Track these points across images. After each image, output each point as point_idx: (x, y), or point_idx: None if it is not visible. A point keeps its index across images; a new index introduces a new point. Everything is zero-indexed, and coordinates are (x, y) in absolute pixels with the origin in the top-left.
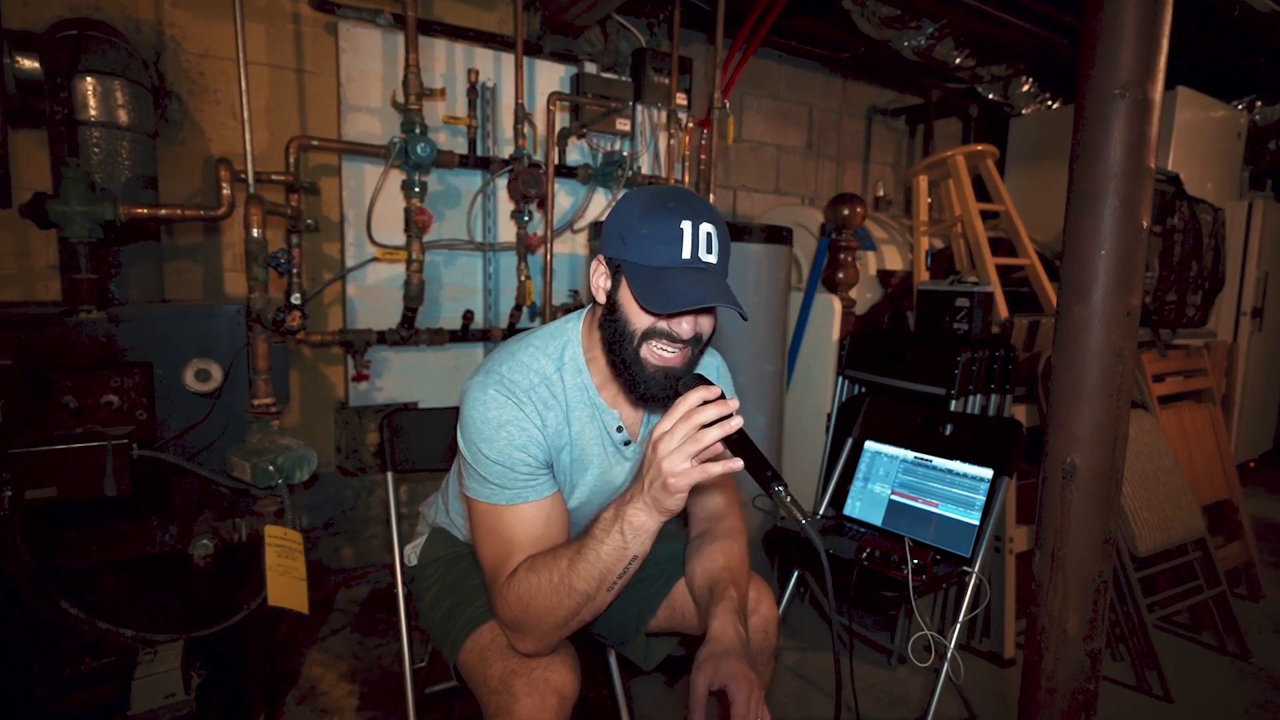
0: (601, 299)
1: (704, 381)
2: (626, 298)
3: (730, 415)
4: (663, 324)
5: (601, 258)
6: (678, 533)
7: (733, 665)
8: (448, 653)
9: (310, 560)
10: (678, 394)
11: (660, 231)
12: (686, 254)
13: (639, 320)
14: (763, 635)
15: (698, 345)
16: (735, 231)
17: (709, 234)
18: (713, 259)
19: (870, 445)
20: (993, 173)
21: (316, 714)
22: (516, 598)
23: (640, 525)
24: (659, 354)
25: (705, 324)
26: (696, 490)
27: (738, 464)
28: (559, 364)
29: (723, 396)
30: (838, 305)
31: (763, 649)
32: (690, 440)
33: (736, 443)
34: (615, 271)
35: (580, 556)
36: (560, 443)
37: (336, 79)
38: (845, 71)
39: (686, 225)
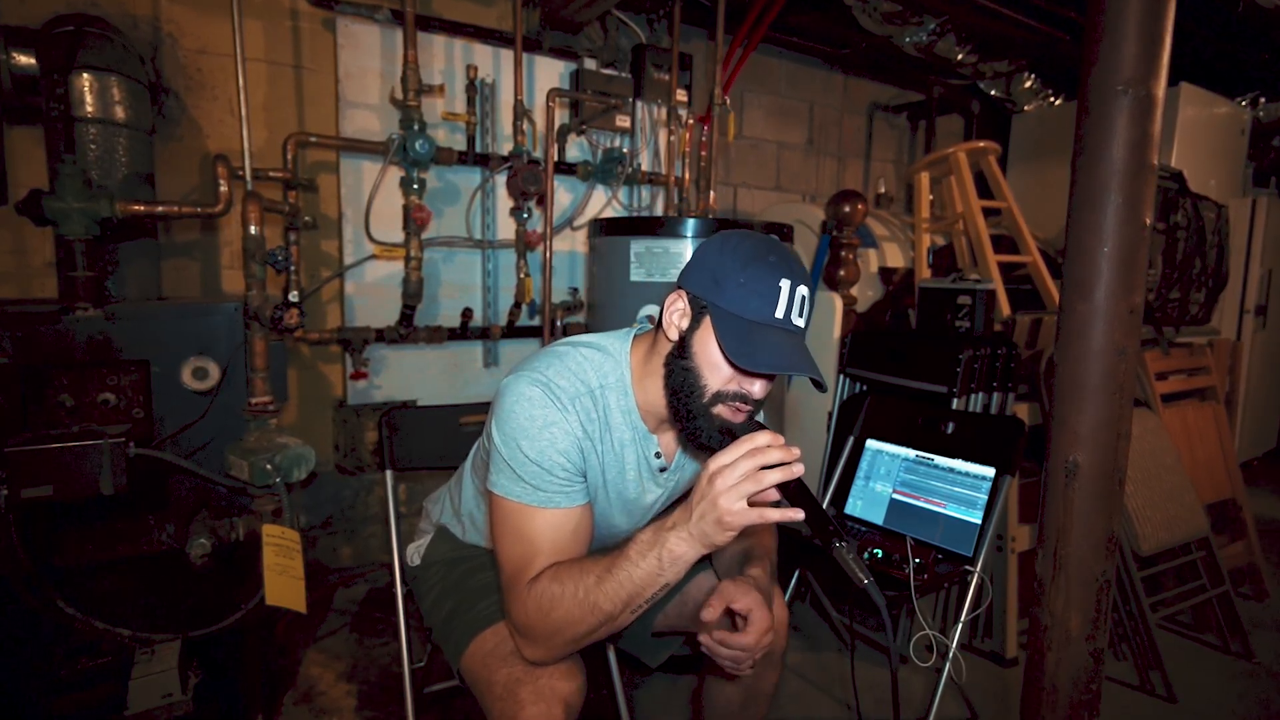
0: (674, 335)
1: (759, 425)
2: (705, 344)
3: (793, 462)
4: (735, 385)
5: (684, 292)
6: None
7: (759, 598)
8: (450, 655)
9: (308, 559)
10: (734, 435)
11: (758, 283)
12: (780, 313)
13: (713, 377)
14: (772, 635)
15: (759, 406)
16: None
17: (804, 298)
18: (802, 323)
19: (871, 444)
20: (994, 169)
21: (315, 714)
22: (536, 605)
23: (680, 555)
24: (734, 413)
25: (772, 386)
26: None
27: (798, 514)
28: (604, 381)
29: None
30: (839, 303)
31: (772, 650)
32: (750, 479)
33: (795, 492)
34: (698, 311)
35: (610, 575)
36: (594, 458)
37: (335, 75)
38: (846, 68)
39: (785, 284)
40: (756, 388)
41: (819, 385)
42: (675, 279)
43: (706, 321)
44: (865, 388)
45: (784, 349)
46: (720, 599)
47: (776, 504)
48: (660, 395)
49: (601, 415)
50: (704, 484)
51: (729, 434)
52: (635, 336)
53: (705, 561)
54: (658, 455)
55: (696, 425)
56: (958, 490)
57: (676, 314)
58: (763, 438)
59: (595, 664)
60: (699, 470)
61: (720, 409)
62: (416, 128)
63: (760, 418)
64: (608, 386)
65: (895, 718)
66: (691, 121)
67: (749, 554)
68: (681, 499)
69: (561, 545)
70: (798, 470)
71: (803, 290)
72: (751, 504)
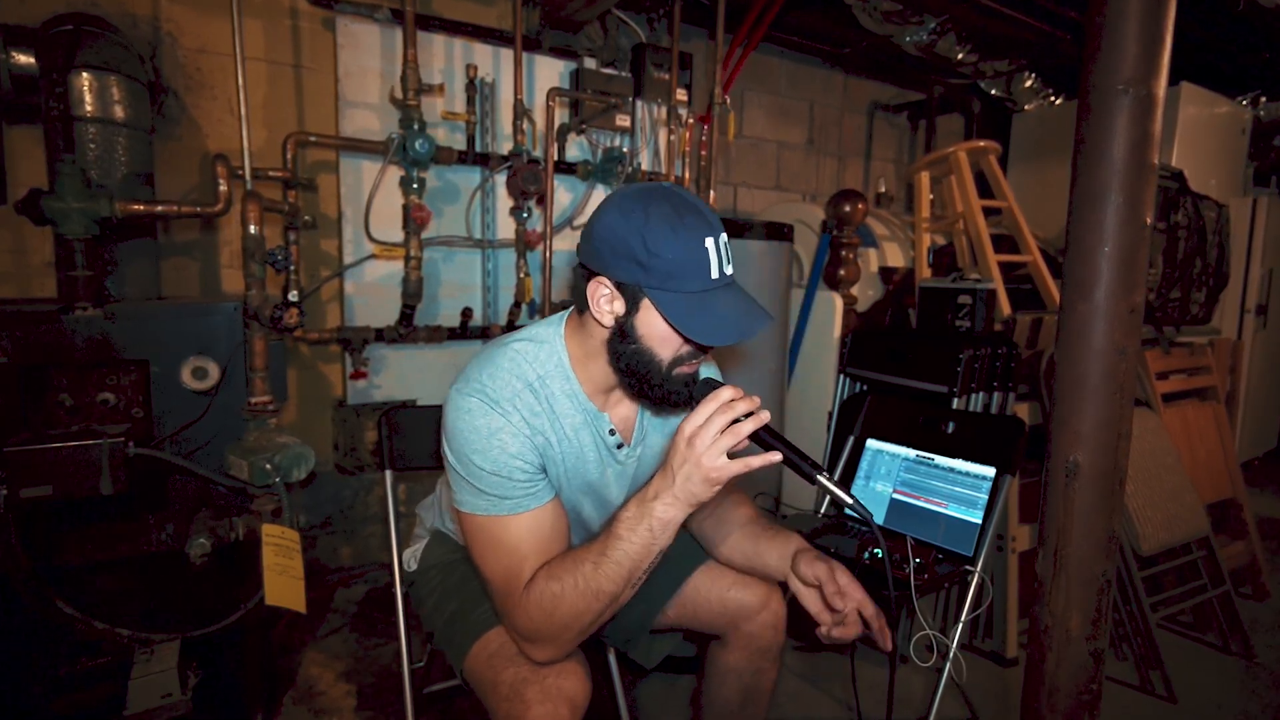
0: (609, 323)
1: (717, 384)
2: (650, 324)
3: (757, 410)
4: (689, 347)
5: (605, 280)
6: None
7: (825, 567)
8: (454, 658)
9: (308, 559)
10: (693, 395)
11: (687, 254)
12: (715, 274)
13: (666, 350)
14: (772, 631)
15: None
16: (736, 228)
17: (725, 244)
18: (730, 270)
19: (872, 443)
20: (995, 169)
21: (314, 714)
22: (538, 608)
23: (670, 519)
24: (693, 368)
25: None
26: None
27: (776, 457)
28: (541, 371)
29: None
30: (839, 302)
31: (771, 645)
32: (728, 434)
33: (768, 436)
34: (632, 296)
35: (606, 557)
36: (551, 449)
37: (334, 75)
38: (846, 67)
39: (710, 243)
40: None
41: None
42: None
43: (646, 304)
44: (865, 387)
45: (734, 310)
46: (815, 603)
47: (747, 452)
48: (606, 374)
49: (546, 405)
50: (683, 447)
51: (689, 385)
52: (566, 319)
53: (700, 555)
54: (612, 432)
55: (664, 391)
56: (958, 490)
57: (604, 301)
58: (727, 393)
59: (595, 664)
60: (662, 447)
61: (679, 370)
62: (416, 127)
63: (713, 373)
64: (547, 375)
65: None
66: (691, 121)
67: (750, 522)
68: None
69: (544, 545)
70: (765, 416)
71: (723, 239)
72: (731, 457)
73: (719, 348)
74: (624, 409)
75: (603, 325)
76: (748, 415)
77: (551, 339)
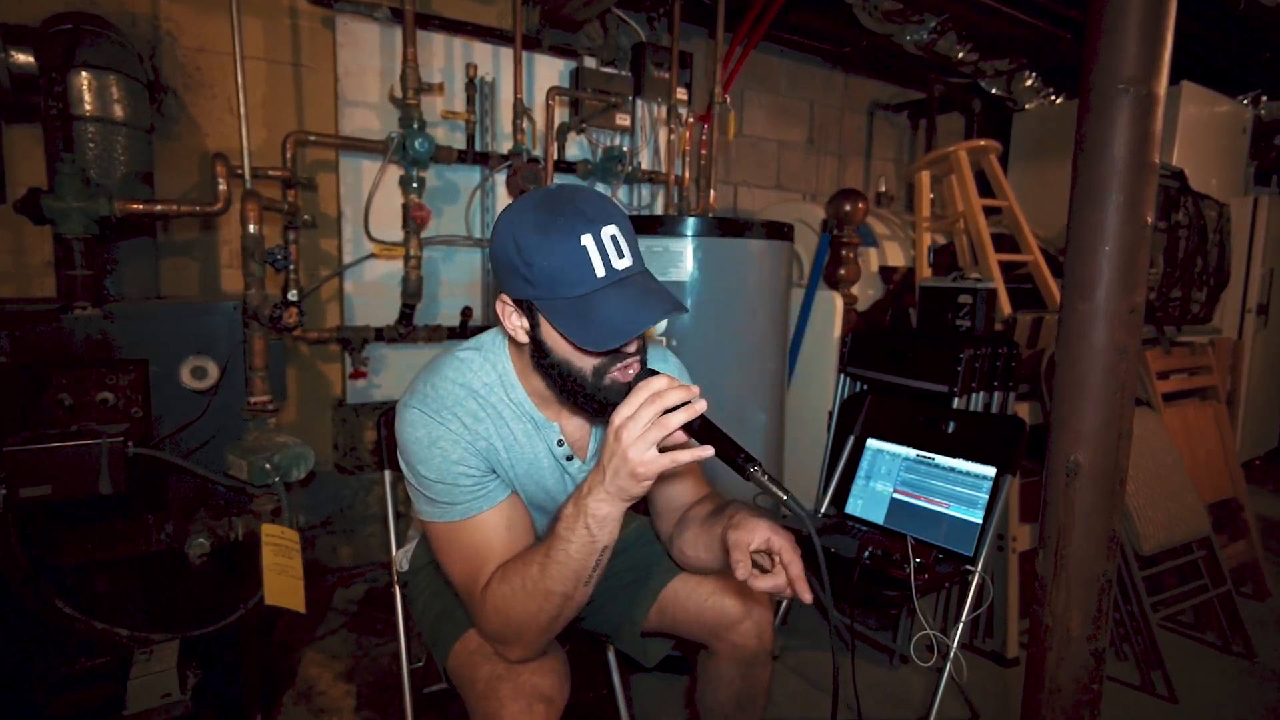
0: (523, 339)
1: (653, 372)
2: (554, 337)
3: (692, 400)
4: (607, 355)
5: (505, 298)
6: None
7: (764, 526)
8: (439, 656)
9: (307, 559)
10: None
11: (560, 257)
12: (601, 272)
13: (582, 360)
14: (756, 640)
15: (644, 343)
16: (736, 227)
17: (613, 236)
18: (628, 261)
19: (872, 443)
20: (995, 168)
21: (313, 714)
22: (494, 610)
23: (605, 516)
24: (626, 374)
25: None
26: (661, 480)
27: (708, 451)
28: (486, 379)
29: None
30: (839, 302)
31: (757, 653)
32: (655, 426)
33: (703, 429)
34: (528, 310)
35: (550, 558)
36: (498, 454)
37: (334, 74)
38: (847, 66)
39: (587, 238)
40: (631, 345)
41: (681, 310)
42: (674, 277)
43: (542, 318)
44: (865, 387)
45: (624, 307)
46: (741, 552)
47: (683, 445)
48: (548, 387)
49: (493, 411)
50: (611, 440)
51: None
52: (508, 339)
53: (673, 566)
54: (560, 443)
55: (600, 399)
56: (959, 490)
57: (513, 318)
58: (659, 382)
59: (595, 663)
60: None
61: (610, 376)
62: (416, 126)
63: (678, 365)
64: (490, 385)
65: (833, 658)
66: (691, 120)
67: (707, 515)
68: None
69: (502, 544)
70: (700, 406)
71: (609, 230)
72: (662, 449)
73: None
74: (577, 420)
75: (519, 343)
76: (684, 405)
77: (497, 349)
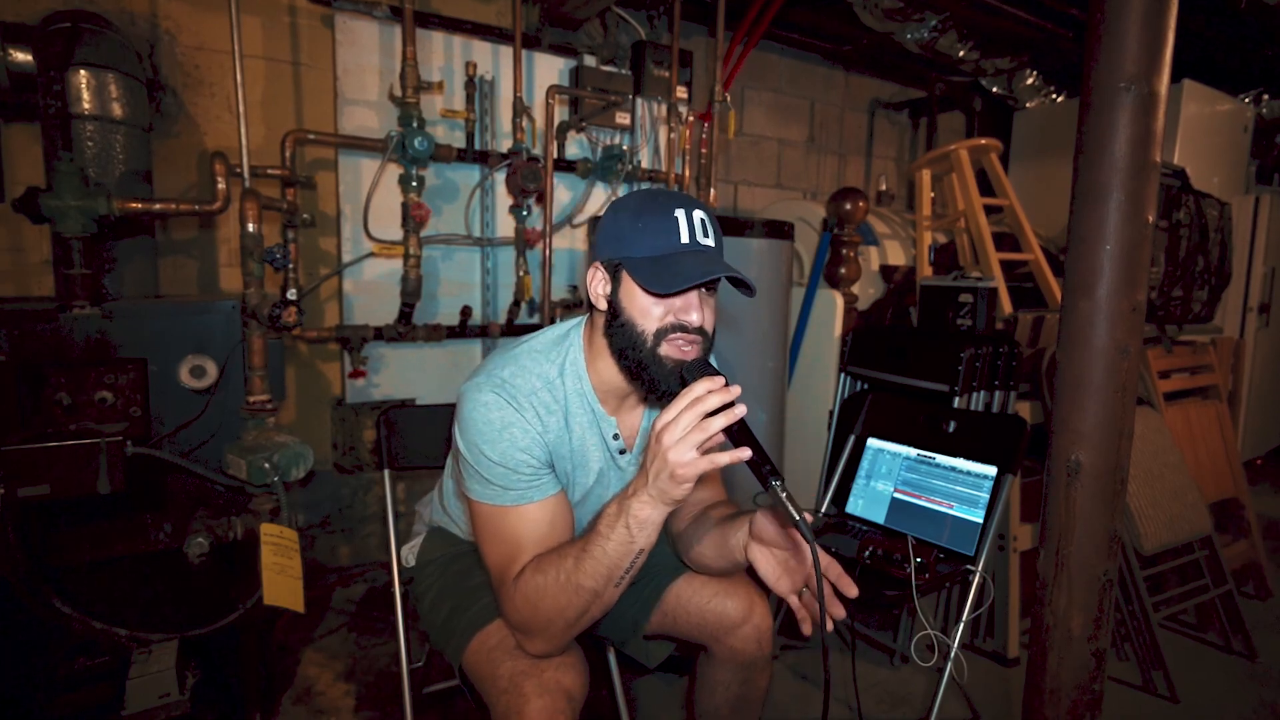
0: (603, 305)
1: (709, 368)
2: (630, 297)
3: (734, 403)
4: (670, 319)
5: (598, 264)
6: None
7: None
8: (451, 655)
9: (306, 559)
10: (685, 381)
11: (655, 222)
12: (685, 239)
13: (646, 321)
14: (756, 645)
15: (708, 339)
16: (736, 226)
17: (702, 219)
18: (710, 241)
19: (873, 442)
20: (996, 167)
21: (313, 714)
22: (524, 599)
23: (646, 518)
24: (681, 349)
25: (709, 317)
26: None
27: (746, 453)
28: (561, 369)
29: (727, 384)
30: (840, 301)
31: (757, 658)
32: (696, 429)
33: (738, 433)
34: (614, 272)
35: (586, 554)
36: (561, 447)
37: (333, 72)
38: (847, 64)
39: (680, 213)
40: (693, 316)
41: (746, 288)
42: None
43: (624, 276)
44: (866, 386)
45: (697, 265)
46: (769, 565)
47: (721, 448)
48: (614, 373)
49: (562, 404)
50: (653, 443)
51: (684, 380)
52: (585, 321)
53: (677, 566)
54: (615, 437)
55: (651, 374)
56: (959, 489)
57: (598, 284)
58: (701, 386)
59: (595, 663)
60: None
61: (665, 349)
62: (415, 125)
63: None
64: (565, 373)
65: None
66: (692, 118)
67: (722, 519)
68: None
69: (541, 537)
70: (740, 411)
71: (699, 213)
72: (702, 452)
73: (721, 337)
74: (633, 418)
75: (599, 310)
76: (724, 409)
77: (572, 339)
